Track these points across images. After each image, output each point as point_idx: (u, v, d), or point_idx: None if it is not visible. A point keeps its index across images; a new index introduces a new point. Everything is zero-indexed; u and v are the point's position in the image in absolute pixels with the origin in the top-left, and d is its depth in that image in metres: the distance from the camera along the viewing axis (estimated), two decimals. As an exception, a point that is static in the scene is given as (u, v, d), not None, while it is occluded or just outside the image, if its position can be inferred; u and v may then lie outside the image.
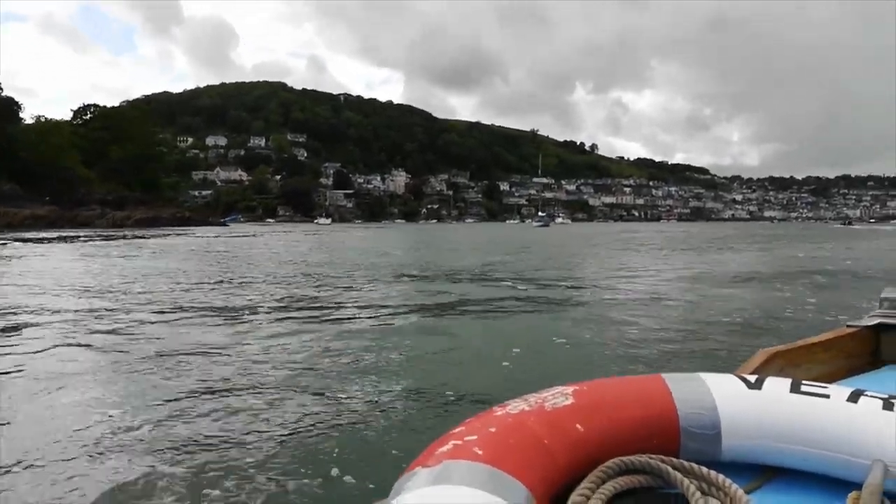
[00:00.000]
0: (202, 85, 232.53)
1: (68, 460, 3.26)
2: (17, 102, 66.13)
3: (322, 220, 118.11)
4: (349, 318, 8.01)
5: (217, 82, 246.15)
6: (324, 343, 6.30)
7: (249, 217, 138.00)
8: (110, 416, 3.97)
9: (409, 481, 0.93)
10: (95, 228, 45.94)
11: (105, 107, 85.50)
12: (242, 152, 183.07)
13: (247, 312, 8.50)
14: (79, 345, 6.29)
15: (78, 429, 3.74)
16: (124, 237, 33.54)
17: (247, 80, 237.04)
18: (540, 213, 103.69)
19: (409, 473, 0.95)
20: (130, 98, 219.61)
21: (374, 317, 8.14)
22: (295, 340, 6.44)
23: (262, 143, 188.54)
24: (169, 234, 36.06)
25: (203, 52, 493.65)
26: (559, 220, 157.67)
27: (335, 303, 9.55)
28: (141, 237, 33.25)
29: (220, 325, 7.55)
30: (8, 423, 3.89)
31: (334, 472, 3.04)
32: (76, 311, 8.53)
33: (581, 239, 37.40)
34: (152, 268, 15.90)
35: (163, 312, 8.39)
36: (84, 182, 62.77)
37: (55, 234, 35.88)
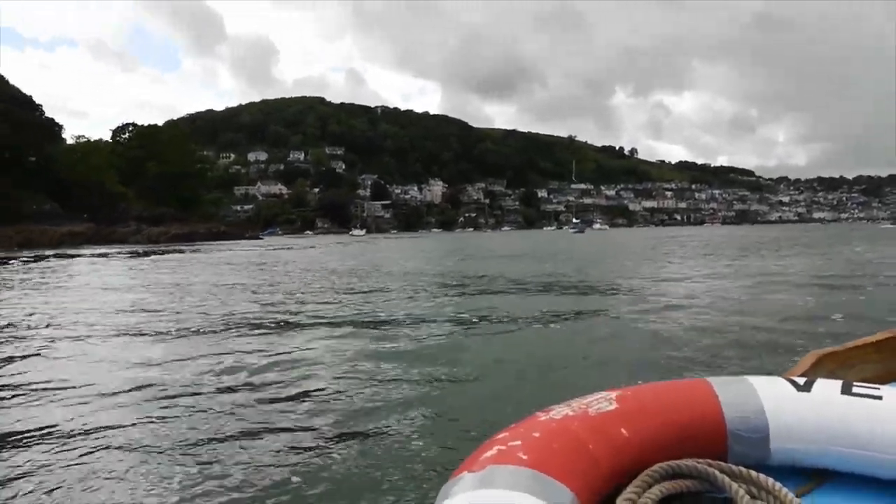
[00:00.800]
0: (244, 102, 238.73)
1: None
2: (57, 124, 68.71)
3: (356, 232, 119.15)
4: (382, 325, 7.81)
5: (259, 98, 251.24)
6: (361, 350, 6.22)
7: (288, 230, 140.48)
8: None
9: (455, 486, 0.93)
10: (131, 244, 47.41)
11: (142, 125, 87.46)
12: (282, 167, 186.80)
13: (303, 326, 8.08)
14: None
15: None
16: (162, 252, 34.47)
17: (287, 96, 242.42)
18: (574, 220, 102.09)
19: (455, 479, 0.96)
20: (176, 116, 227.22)
21: (398, 329, 7.66)
22: (333, 346, 6.41)
23: (301, 156, 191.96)
24: (198, 250, 36.89)
25: (246, 69, 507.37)
26: (596, 225, 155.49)
27: (360, 310, 9.32)
28: (178, 251, 34.18)
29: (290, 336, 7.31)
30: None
31: (378, 475, 3.07)
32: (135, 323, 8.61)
33: (617, 245, 36.06)
34: (182, 280, 16.17)
35: (208, 326, 8.15)
36: (121, 199, 64.64)
37: (89, 251, 37.07)
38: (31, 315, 9.65)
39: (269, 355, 5.98)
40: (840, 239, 37.08)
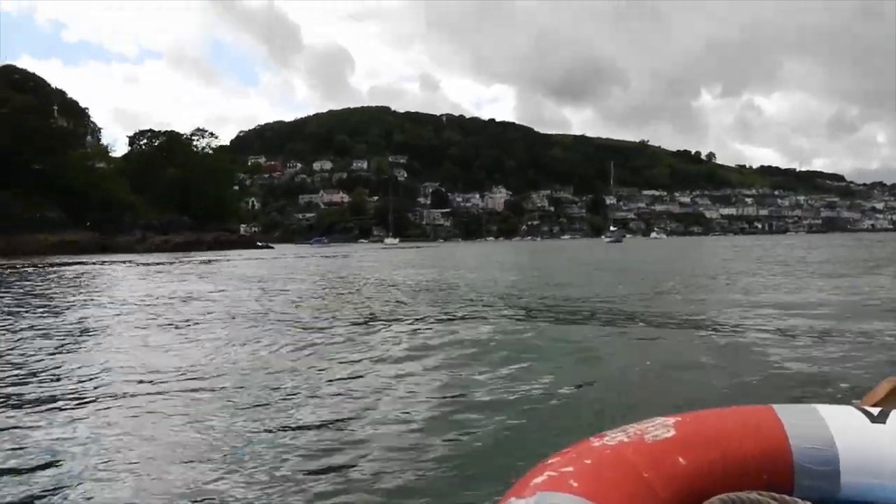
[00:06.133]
0: (322, 111, 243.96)
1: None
2: (72, 131, 69.75)
3: (389, 241, 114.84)
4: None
5: (337, 107, 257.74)
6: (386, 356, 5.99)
7: (346, 237, 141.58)
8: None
9: None
10: (130, 254, 47.40)
11: (158, 132, 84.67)
12: (345, 175, 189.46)
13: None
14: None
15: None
16: (135, 264, 33.48)
17: (362, 105, 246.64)
18: (611, 228, 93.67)
19: None
20: (247, 128, 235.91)
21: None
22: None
23: (364, 165, 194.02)
24: (179, 261, 35.76)
25: (321, 79, 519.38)
26: (654, 234, 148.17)
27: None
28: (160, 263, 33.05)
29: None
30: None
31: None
32: None
33: (643, 261, 30.21)
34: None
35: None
36: (130, 207, 64.24)
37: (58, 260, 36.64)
38: None
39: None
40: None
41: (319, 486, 2.94)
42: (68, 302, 12.34)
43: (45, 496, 2.88)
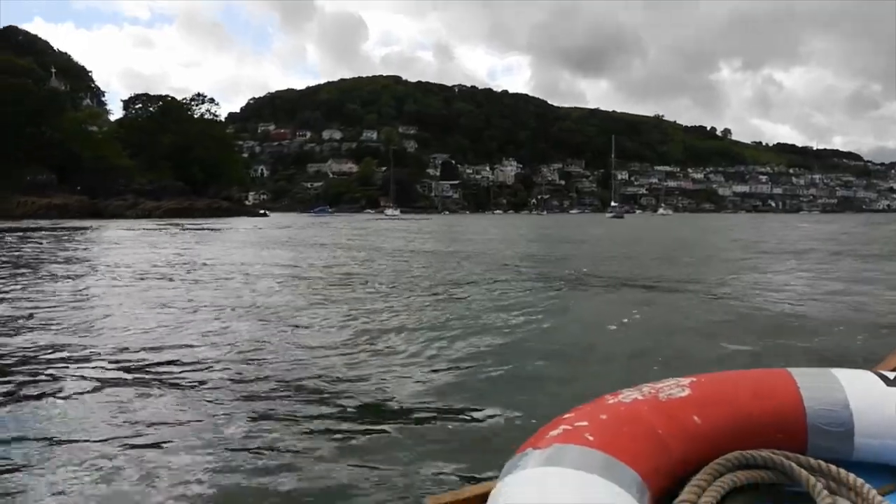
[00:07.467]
0: (332, 79, 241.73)
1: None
2: (68, 94, 68.03)
3: (390, 212, 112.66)
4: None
5: (349, 75, 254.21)
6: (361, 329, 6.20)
7: (352, 208, 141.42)
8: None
9: (520, 462, 0.93)
10: (119, 219, 47.39)
11: (155, 96, 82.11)
12: (354, 145, 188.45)
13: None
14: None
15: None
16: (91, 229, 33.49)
17: (366, 75, 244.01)
18: (612, 204, 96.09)
19: (520, 455, 0.96)
20: (258, 95, 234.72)
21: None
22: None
23: (374, 135, 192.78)
24: (166, 229, 35.84)
25: (334, 46, 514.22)
26: (661, 211, 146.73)
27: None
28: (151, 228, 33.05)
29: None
30: None
31: (446, 447, 3.17)
32: None
33: (633, 239, 29.35)
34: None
35: None
36: (123, 172, 62.58)
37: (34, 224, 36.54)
38: None
39: None
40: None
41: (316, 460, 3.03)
42: None
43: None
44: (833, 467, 1.04)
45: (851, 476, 1.01)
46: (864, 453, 1.12)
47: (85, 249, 19.15)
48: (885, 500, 0.97)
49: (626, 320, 6.51)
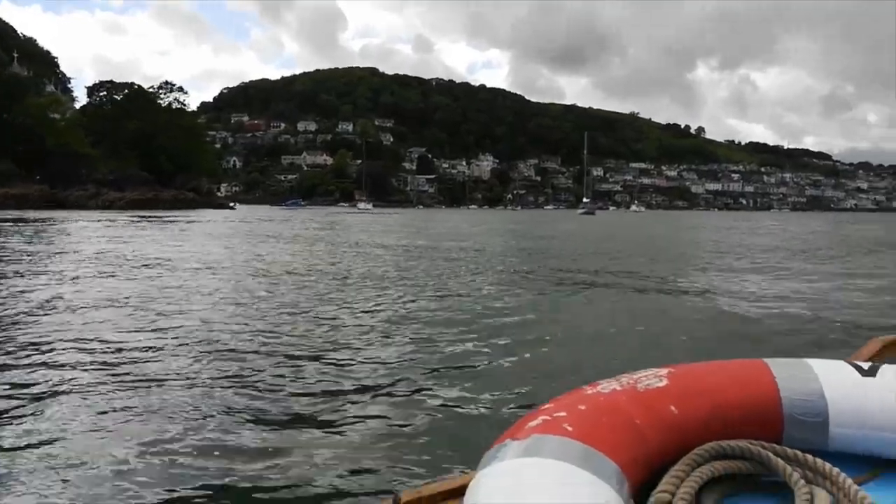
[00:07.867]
0: (309, 69, 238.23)
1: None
2: (30, 80, 65.84)
3: (363, 205, 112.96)
4: None
5: (325, 66, 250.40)
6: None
7: (326, 200, 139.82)
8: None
9: (498, 453, 0.93)
10: (80, 210, 45.80)
11: (120, 84, 79.37)
12: (329, 137, 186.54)
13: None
14: None
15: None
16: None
17: (343, 66, 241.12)
18: (584, 200, 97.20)
19: (499, 445, 0.96)
20: (232, 84, 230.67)
21: None
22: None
23: (350, 128, 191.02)
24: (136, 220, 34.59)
25: (312, 37, 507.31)
26: (633, 208, 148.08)
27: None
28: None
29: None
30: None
31: (422, 441, 3.18)
32: None
33: (603, 236, 29.52)
34: None
35: None
36: (86, 161, 60.61)
37: None
38: None
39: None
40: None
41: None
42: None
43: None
44: (809, 457, 1.05)
45: (827, 465, 1.02)
46: (839, 443, 1.12)
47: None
48: (861, 489, 0.98)
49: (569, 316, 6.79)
